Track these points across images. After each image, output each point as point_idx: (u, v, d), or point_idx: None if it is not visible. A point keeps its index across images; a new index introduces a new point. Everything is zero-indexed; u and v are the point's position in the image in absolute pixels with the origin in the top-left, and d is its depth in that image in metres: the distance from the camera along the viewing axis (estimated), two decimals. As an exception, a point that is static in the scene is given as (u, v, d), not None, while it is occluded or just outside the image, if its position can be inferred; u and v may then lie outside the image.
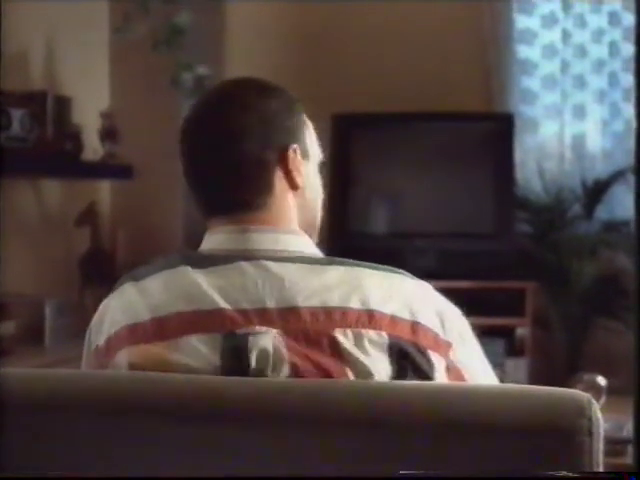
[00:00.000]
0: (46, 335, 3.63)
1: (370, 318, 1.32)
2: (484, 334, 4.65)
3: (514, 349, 4.19)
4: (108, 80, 4.27)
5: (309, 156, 1.46)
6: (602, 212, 4.49)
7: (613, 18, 4.54)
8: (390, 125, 4.41)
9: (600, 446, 1.19)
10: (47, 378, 1.35)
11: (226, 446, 1.23)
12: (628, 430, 2.85)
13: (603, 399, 2.66)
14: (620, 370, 3.34)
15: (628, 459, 2.75)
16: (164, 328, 1.32)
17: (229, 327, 1.30)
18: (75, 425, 1.27)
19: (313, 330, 1.30)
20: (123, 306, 1.38)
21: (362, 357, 1.30)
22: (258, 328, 1.30)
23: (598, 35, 4.55)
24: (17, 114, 3.49)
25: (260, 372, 1.29)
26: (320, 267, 1.36)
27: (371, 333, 1.31)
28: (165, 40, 3.93)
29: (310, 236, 1.45)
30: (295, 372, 1.29)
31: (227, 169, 1.40)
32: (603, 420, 1.21)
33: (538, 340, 4.31)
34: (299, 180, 1.43)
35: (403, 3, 4.42)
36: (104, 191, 4.26)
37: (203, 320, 1.31)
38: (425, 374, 1.33)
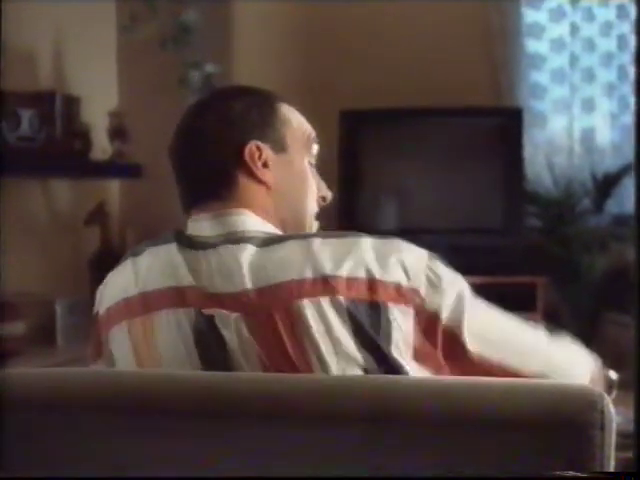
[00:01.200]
0: (57, 335, 3.64)
1: (325, 285, 1.35)
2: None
3: (525, 344, 4.18)
4: (116, 79, 4.27)
5: (285, 148, 1.52)
6: (612, 206, 4.48)
7: (621, 11, 4.53)
8: (398, 121, 4.41)
9: (612, 440, 1.19)
10: (50, 377, 1.36)
11: (229, 442, 1.23)
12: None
13: (614, 393, 2.66)
14: (631, 364, 3.33)
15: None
16: (146, 302, 1.41)
17: (198, 306, 1.37)
18: (78, 423, 1.27)
19: (272, 307, 1.34)
20: (120, 280, 1.50)
21: (321, 327, 1.33)
22: (218, 310, 1.36)
23: (607, 28, 4.54)
24: (26, 114, 3.49)
25: (233, 356, 1.33)
26: (275, 245, 1.40)
27: (328, 300, 1.34)
28: (173, 38, 3.93)
29: (294, 228, 1.51)
30: (259, 357, 1.33)
31: (195, 168, 1.53)
32: (615, 414, 1.20)
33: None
34: (264, 176, 1.49)
35: (410, -1, 4.42)
36: (113, 190, 4.27)
37: (176, 296, 1.39)
38: (383, 331, 1.34)
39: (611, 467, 1.19)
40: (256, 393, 1.24)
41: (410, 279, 1.38)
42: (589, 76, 4.56)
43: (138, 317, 1.42)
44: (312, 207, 1.56)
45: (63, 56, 3.93)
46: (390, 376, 1.29)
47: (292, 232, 1.49)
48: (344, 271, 1.36)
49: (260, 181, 1.49)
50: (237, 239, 1.41)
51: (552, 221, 4.45)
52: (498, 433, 1.19)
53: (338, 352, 1.33)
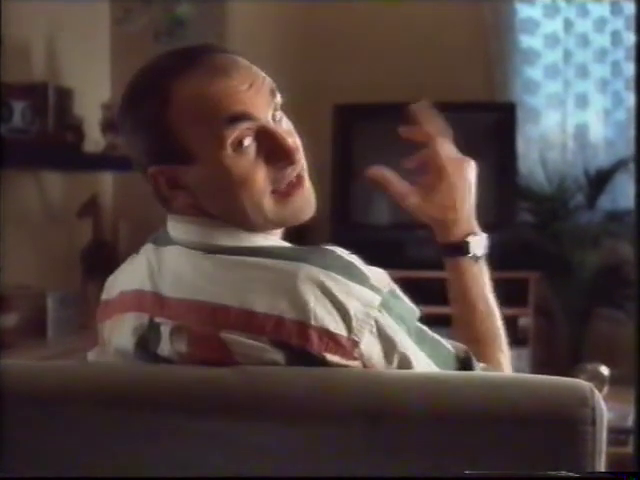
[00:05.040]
0: (48, 327, 3.63)
1: (249, 320, 1.22)
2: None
3: (517, 339, 4.18)
4: (109, 71, 4.26)
5: (192, 159, 1.29)
6: (605, 202, 4.49)
7: (615, 7, 4.53)
8: (392, 115, 4.39)
9: (604, 436, 1.19)
10: (48, 371, 1.36)
11: (227, 439, 1.23)
12: (631, 419, 2.85)
13: (606, 389, 2.67)
14: (623, 360, 3.34)
15: (631, 448, 2.75)
16: (120, 302, 1.38)
17: (149, 310, 1.32)
18: (76, 418, 1.27)
19: (199, 327, 1.25)
20: (119, 276, 1.44)
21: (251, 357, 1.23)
22: (163, 320, 1.29)
23: (601, 24, 4.54)
24: (18, 106, 3.48)
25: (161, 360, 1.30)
26: (209, 256, 1.28)
27: (250, 339, 1.22)
28: (166, 31, 3.93)
29: (248, 223, 1.31)
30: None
31: None
32: (606, 409, 1.20)
33: (541, 330, 4.31)
34: (177, 199, 1.33)
35: (405, -7, 4.42)
36: (106, 183, 4.26)
37: (135, 299, 1.34)
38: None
39: (602, 463, 1.19)
40: (246, 389, 1.24)
41: (352, 329, 1.22)
42: (583, 72, 4.56)
43: (116, 314, 1.39)
44: (258, 204, 1.30)
45: (56, 48, 3.92)
46: (381, 371, 1.28)
47: (251, 225, 1.31)
48: (276, 309, 1.21)
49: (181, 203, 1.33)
50: (189, 245, 1.31)
51: (545, 217, 4.46)
52: (488, 428, 1.19)
53: None
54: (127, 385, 1.28)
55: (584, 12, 4.55)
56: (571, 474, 1.16)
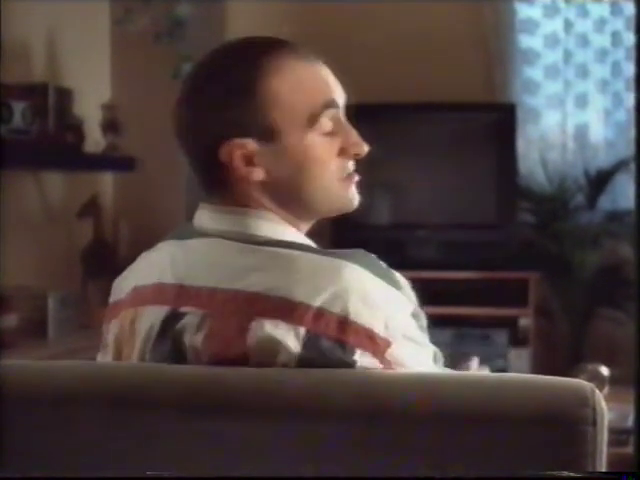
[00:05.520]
0: (49, 327, 3.63)
1: (291, 310, 1.24)
2: (487, 324, 4.66)
3: (517, 339, 4.18)
4: (109, 72, 4.26)
5: (277, 133, 1.32)
6: (605, 202, 4.48)
7: (615, 7, 4.53)
8: (392, 116, 4.40)
9: (604, 436, 1.19)
10: (48, 371, 1.35)
11: (228, 439, 1.23)
12: (632, 420, 2.85)
13: (606, 389, 2.66)
14: (623, 360, 3.33)
15: (631, 449, 2.75)
16: (134, 297, 1.38)
17: (172, 302, 1.32)
18: (76, 418, 1.27)
19: (232, 314, 1.27)
20: (132, 274, 1.43)
21: (272, 347, 1.25)
22: (190, 309, 1.30)
23: (601, 24, 4.54)
24: (18, 106, 3.48)
25: (181, 352, 1.30)
26: (255, 247, 1.30)
27: (289, 326, 1.24)
28: (166, 32, 3.93)
29: (302, 209, 1.37)
30: (212, 357, 1.28)
31: (188, 158, 1.39)
32: (607, 410, 1.20)
33: (541, 330, 4.31)
34: (251, 174, 1.33)
35: (405, -7, 4.42)
36: (106, 183, 4.26)
37: (155, 292, 1.35)
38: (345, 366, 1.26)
39: (603, 463, 1.19)
40: (246, 389, 1.24)
41: (388, 329, 1.27)
42: (583, 72, 4.56)
43: (124, 311, 1.39)
44: (327, 187, 1.37)
45: (56, 48, 3.92)
46: (380, 371, 1.28)
47: (304, 217, 1.37)
48: (318, 301, 1.24)
49: (248, 180, 1.33)
50: (223, 236, 1.33)
51: (545, 217, 4.45)
52: (488, 429, 1.19)
53: None
54: (128, 385, 1.28)
55: (584, 12, 4.55)
56: (571, 474, 1.16)
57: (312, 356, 1.24)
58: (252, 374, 1.26)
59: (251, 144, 1.32)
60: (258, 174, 1.34)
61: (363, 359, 1.26)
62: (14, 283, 3.52)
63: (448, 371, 1.37)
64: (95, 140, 3.98)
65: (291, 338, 1.24)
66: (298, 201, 1.36)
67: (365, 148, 1.41)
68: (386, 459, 1.20)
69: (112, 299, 1.45)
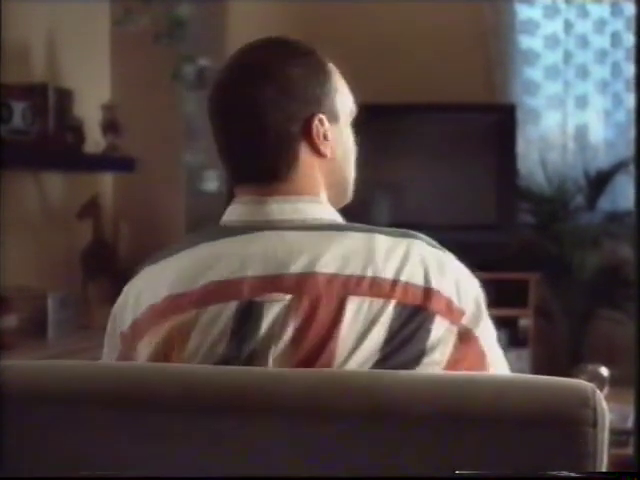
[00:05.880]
0: (49, 328, 3.63)
1: (381, 287, 1.33)
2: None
3: (517, 340, 4.19)
4: (109, 72, 4.26)
5: (338, 118, 1.47)
6: (605, 203, 4.49)
7: (615, 8, 4.54)
8: (392, 116, 4.40)
9: (605, 437, 1.18)
10: (49, 371, 1.35)
11: (232, 439, 1.23)
12: (632, 421, 2.85)
13: (606, 389, 2.66)
14: (623, 360, 3.34)
15: (631, 450, 2.75)
16: (179, 304, 1.34)
17: (246, 295, 1.32)
18: (78, 418, 1.27)
19: (326, 296, 1.31)
20: (145, 287, 1.40)
21: (360, 326, 1.31)
22: (275, 295, 1.32)
23: (600, 25, 4.55)
24: (18, 107, 3.48)
25: (269, 339, 1.30)
26: (336, 233, 1.38)
27: (381, 301, 1.32)
28: (166, 32, 3.92)
29: (339, 197, 1.50)
30: (298, 339, 1.30)
31: (251, 140, 1.41)
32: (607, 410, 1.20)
33: (541, 331, 4.31)
34: (326, 149, 1.44)
35: (405, -6, 4.42)
36: (106, 184, 4.26)
37: (219, 290, 1.33)
38: (417, 340, 1.33)
39: (604, 464, 1.19)
40: (248, 389, 1.24)
41: (461, 300, 1.37)
42: (583, 73, 4.56)
43: (168, 320, 1.34)
44: (353, 179, 1.54)
45: (56, 49, 3.92)
46: (385, 371, 1.29)
47: (335, 201, 1.48)
48: (404, 276, 1.34)
49: (320, 155, 1.44)
50: (295, 226, 1.38)
51: (545, 217, 4.46)
52: (490, 429, 1.19)
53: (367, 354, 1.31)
54: (130, 385, 1.28)
55: (584, 13, 4.55)
56: (571, 474, 1.16)
57: (399, 324, 1.32)
58: (254, 374, 1.26)
59: (326, 121, 1.44)
60: (329, 150, 1.44)
61: (440, 326, 1.34)
62: (14, 283, 3.52)
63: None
64: (95, 140, 3.97)
65: (384, 312, 1.32)
66: (339, 185, 1.50)
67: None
68: (387, 459, 1.20)
69: (123, 322, 1.41)
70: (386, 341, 1.31)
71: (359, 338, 1.31)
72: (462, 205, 4.25)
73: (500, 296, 4.28)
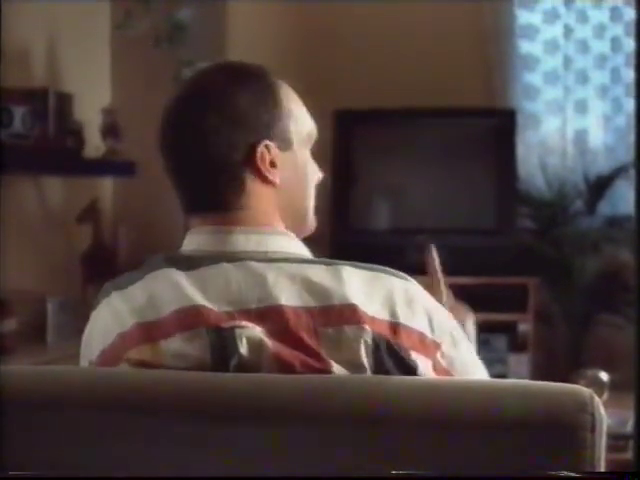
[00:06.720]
0: (48, 332, 3.63)
1: (352, 313, 1.30)
2: (486, 330, 4.67)
3: (516, 344, 4.18)
4: (109, 76, 4.26)
5: (290, 143, 1.41)
6: (604, 207, 4.49)
7: (615, 13, 4.54)
8: (392, 121, 4.41)
9: (603, 442, 1.19)
10: (48, 375, 1.35)
11: (227, 443, 1.23)
12: (631, 426, 2.85)
13: (606, 395, 2.66)
14: (623, 366, 3.33)
15: (630, 455, 2.75)
16: (149, 332, 1.32)
17: (213, 323, 1.30)
18: (76, 423, 1.27)
19: (295, 329, 1.29)
20: (111, 316, 1.38)
21: (345, 353, 1.29)
22: (244, 323, 1.30)
23: (600, 30, 4.54)
24: (18, 111, 3.49)
25: (249, 361, 1.28)
26: (303, 266, 1.34)
27: (354, 328, 1.29)
28: (167, 36, 3.93)
29: (298, 226, 1.44)
30: (282, 368, 1.28)
31: (197, 169, 1.40)
32: (606, 416, 1.20)
33: (540, 335, 4.31)
34: (274, 177, 1.39)
35: (404, -1, 4.42)
36: (106, 188, 4.26)
37: (186, 318, 1.31)
38: (408, 369, 1.31)
39: (602, 469, 1.19)
40: (247, 394, 1.24)
41: (434, 332, 1.34)
42: (582, 78, 4.56)
43: (135, 348, 1.33)
44: (312, 202, 1.47)
45: (56, 53, 3.92)
46: (379, 376, 1.29)
47: (294, 232, 1.42)
48: (370, 309, 1.30)
49: (268, 183, 1.39)
50: (262, 259, 1.34)
51: (545, 222, 4.46)
52: (487, 434, 1.19)
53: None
54: (127, 390, 1.28)
55: (584, 18, 4.55)
56: (571, 474, 1.16)
57: (382, 357, 1.30)
58: (251, 379, 1.26)
59: (274, 148, 1.39)
60: (277, 178, 1.39)
61: (418, 361, 1.32)
62: (13, 287, 3.52)
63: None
64: (95, 145, 3.98)
65: (363, 335, 1.30)
66: (296, 214, 1.43)
67: (320, 175, 1.49)
68: (385, 464, 1.20)
69: (91, 352, 1.40)
70: (374, 369, 1.30)
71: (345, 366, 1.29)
72: (462, 210, 4.24)
73: (499, 301, 4.28)
